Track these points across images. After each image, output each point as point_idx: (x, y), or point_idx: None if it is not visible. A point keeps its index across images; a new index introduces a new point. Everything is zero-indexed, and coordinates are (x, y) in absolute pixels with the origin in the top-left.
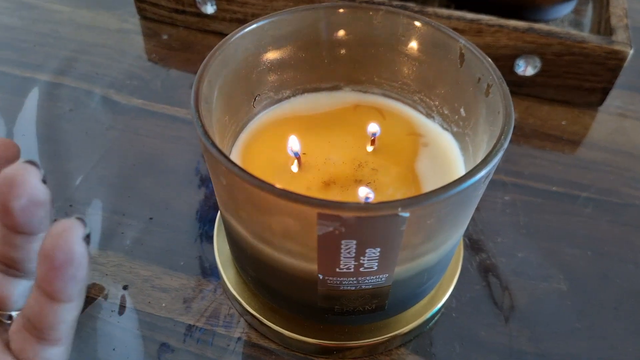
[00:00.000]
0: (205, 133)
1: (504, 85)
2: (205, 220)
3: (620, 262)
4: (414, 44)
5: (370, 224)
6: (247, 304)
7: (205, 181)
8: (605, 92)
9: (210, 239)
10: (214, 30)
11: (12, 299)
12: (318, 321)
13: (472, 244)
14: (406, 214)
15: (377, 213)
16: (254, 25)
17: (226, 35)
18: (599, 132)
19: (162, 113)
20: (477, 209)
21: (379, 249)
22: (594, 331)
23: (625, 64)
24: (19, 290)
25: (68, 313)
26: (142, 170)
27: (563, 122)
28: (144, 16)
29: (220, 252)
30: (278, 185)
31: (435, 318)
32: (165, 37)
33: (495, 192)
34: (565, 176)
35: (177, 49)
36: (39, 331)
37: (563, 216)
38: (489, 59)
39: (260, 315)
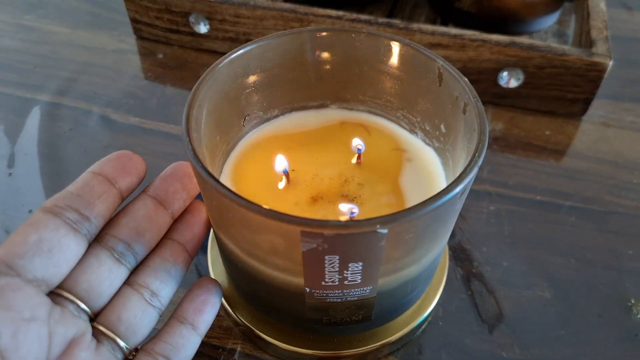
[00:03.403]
0: (196, 156)
1: (479, 104)
2: None
3: (604, 269)
4: (395, 64)
5: (351, 241)
6: (240, 315)
7: (199, 196)
8: (587, 103)
9: (204, 251)
10: (208, 48)
11: (142, 330)
12: (308, 332)
13: (458, 254)
14: (384, 231)
15: (356, 230)
16: (242, 51)
17: (219, 53)
18: (582, 142)
19: (158, 130)
20: (463, 219)
21: (361, 263)
22: (579, 338)
23: (607, 74)
24: (147, 321)
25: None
26: (139, 186)
27: (547, 132)
28: (140, 36)
29: (214, 265)
30: (264, 205)
31: (423, 327)
32: (160, 56)
33: (480, 202)
34: (550, 185)
35: (172, 67)
36: None
37: (547, 225)
38: (465, 79)
39: (254, 326)
